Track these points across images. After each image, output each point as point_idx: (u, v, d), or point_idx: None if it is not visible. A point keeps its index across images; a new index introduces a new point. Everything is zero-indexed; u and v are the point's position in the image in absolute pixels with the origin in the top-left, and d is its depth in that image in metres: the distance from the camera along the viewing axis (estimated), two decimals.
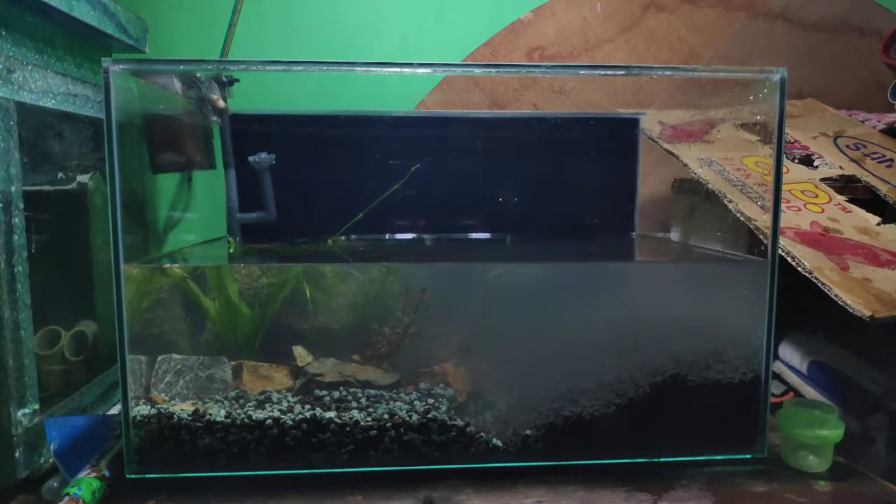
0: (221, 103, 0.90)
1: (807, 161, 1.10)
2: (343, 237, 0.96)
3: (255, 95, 0.97)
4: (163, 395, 0.71)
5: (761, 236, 0.77)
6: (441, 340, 0.76)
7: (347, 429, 0.70)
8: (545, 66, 0.81)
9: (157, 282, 0.72)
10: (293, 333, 0.76)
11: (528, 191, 1.07)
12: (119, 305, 0.66)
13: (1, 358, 0.65)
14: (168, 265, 0.78)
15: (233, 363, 0.76)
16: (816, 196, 0.99)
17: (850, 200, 0.99)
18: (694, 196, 1.04)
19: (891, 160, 1.08)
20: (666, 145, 1.04)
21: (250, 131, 0.96)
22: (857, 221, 0.94)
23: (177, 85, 0.87)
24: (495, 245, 1.03)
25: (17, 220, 0.67)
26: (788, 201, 0.96)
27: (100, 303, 0.90)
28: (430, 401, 0.73)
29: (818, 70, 1.36)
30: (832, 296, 0.77)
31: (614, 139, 1.08)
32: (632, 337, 0.73)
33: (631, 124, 1.08)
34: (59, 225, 0.83)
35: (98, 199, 0.88)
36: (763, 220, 0.80)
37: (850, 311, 0.74)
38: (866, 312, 0.73)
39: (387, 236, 1.02)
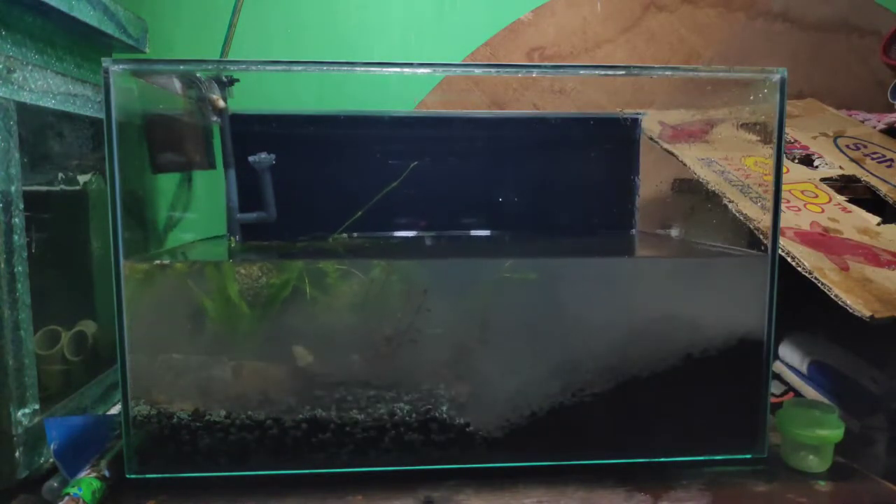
0: (221, 103, 0.90)
1: (807, 161, 1.10)
2: (345, 235, 0.96)
3: (256, 95, 0.97)
4: (163, 395, 0.71)
5: (761, 236, 0.77)
6: (440, 339, 0.75)
7: (347, 429, 0.70)
8: (545, 66, 0.81)
9: (158, 278, 0.72)
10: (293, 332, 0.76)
11: (528, 190, 1.07)
12: (119, 305, 0.66)
13: (1, 358, 0.65)
14: (169, 260, 0.78)
15: (233, 363, 0.76)
16: (816, 196, 0.99)
17: (850, 200, 0.99)
18: (694, 196, 1.04)
19: (891, 160, 1.08)
20: (666, 145, 1.05)
21: (250, 131, 0.96)
22: (857, 221, 0.94)
23: (177, 85, 0.87)
24: (495, 243, 1.03)
25: (17, 220, 0.67)
26: (788, 201, 0.96)
27: (100, 303, 0.90)
28: (431, 401, 0.73)
29: (818, 70, 1.36)
30: (832, 296, 0.77)
31: (614, 139, 1.08)
32: (631, 336, 0.73)
33: (631, 124, 1.08)
34: (59, 225, 0.83)
35: (98, 199, 0.89)
36: (763, 221, 0.80)
37: (850, 311, 0.74)
38: (866, 312, 0.73)
39: (389, 234, 1.02)
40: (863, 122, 1.22)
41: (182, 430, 0.68)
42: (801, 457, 0.72)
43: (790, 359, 1.05)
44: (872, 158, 1.09)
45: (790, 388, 1.03)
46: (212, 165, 0.97)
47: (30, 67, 0.70)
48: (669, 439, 0.74)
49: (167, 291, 0.71)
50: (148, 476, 0.68)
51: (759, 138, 0.77)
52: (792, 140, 1.14)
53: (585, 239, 1.07)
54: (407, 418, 0.71)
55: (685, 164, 1.00)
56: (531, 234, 1.07)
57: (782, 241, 0.83)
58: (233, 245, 0.92)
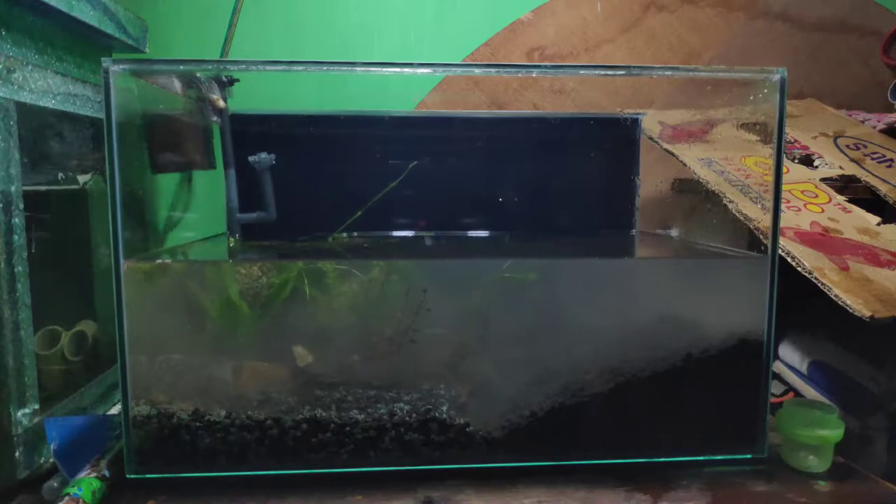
0: (221, 103, 0.90)
1: (807, 161, 1.10)
2: (345, 235, 0.96)
3: (256, 95, 0.97)
4: (163, 395, 0.71)
5: (761, 236, 0.77)
6: (440, 339, 0.76)
7: (347, 429, 0.70)
8: (545, 66, 0.81)
9: (158, 277, 0.72)
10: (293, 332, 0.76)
11: (527, 190, 1.07)
12: (119, 305, 0.66)
13: (1, 358, 0.65)
14: (169, 260, 0.78)
15: (233, 363, 0.76)
16: (816, 196, 0.99)
17: (850, 200, 0.99)
18: (694, 196, 1.04)
19: (891, 160, 1.08)
20: (666, 145, 1.05)
21: (250, 131, 0.96)
22: (857, 221, 0.94)
23: (177, 85, 0.87)
24: (495, 243, 1.03)
25: (17, 220, 0.67)
26: (788, 201, 0.96)
27: (100, 303, 0.90)
28: (431, 401, 0.73)
29: (818, 70, 1.36)
30: (832, 296, 0.77)
31: (614, 139, 1.08)
32: (631, 336, 0.73)
33: (631, 124, 1.08)
34: (59, 225, 0.83)
35: (98, 199, 0.89)
36: (763, 221, 0.80)
37: (850, 311, 0.74)
38: (866, 312, 0.73)
39: (388, 234, 1.02)
40: (863, 122, 1.22)
41: (182, 430, 0.68)
42: (801, 457, 0.72)
43: (790, 359, 1.05)
44: (872, 158, 1.09)
45: (790, 388, 1.03)
46: (212, 165, 0.97)
47: (30, 67, 0.70)
48: (669, 439, 0.74)
49: (167, 291, 0.71)
50: (148, 476, 0.68)
51: (759, 138, 0.77)
52: (792, 140, 1.14)
53: (585, 239, 1.07)
54: (407, 418, 0.71)
55: (685, 164, 1.00)
56: (531, 235, 1.07)
57: (782, 241, 0.83)
58: (233, 245, 0.92)
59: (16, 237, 0.67)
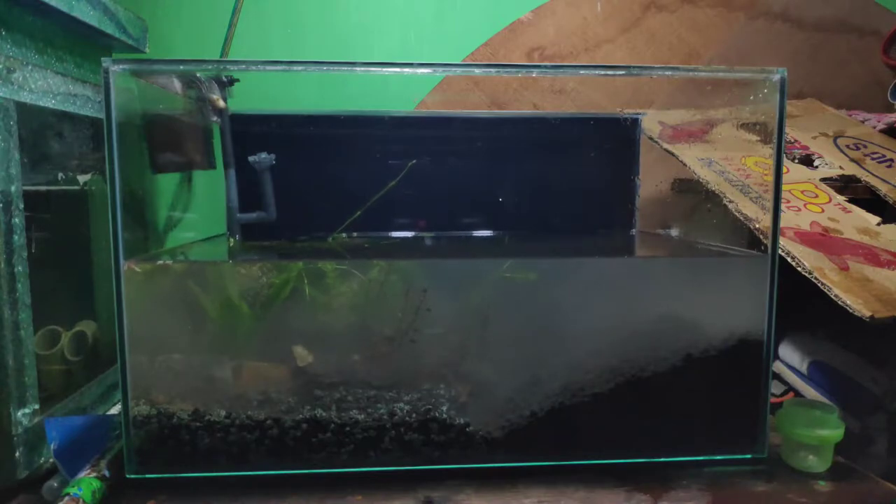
0: (221, 103, 0.90)
1: (807, 161, 1.10)
2: (344, 235, 0.96)
3: (256, 95, 0.97)
4: (163, 395, 0.71)
5: (761, 236, 0.77)
6: (440, 339, 0.76)
7: (347, 429, 0.70)
8: (545, 66, 0.81)
9: (158, 278, 0.72)
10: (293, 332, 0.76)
11: (527, 190, 1.07)
12: (119, 305, 0.66)
13: (1, 358, 0.65)
14: (169, 260, 0.78)
15: (233, 363, 0.76)
16: (816, 196, 0.99)
17: (850, 200, 0.99)
18: (694, 196, 1.04)
19: (891, 160, 1.08)
20: (666, 145, 1.05)
21: (250, 131, 0.96)
22: (857, 221, 0.94)
23: (177, 85, 0.87)
24: (495, 243, 1.03)
25: (17, 220, 0.67)
26: (788, 201, 0.96)
27: (100, 303, 0.90)
28: (431, 401, 0.73)
29: (818, 70, 1.36)
30: (832, 296, 0.77)
31: (614, 139, 1.08)
32: (631, 336, 0.73)
33: (631, 124, 1.08)
34: (59, 225, 0.83)
35: (98, 199, 0.89)
36: (763, 221, 0.80)
37: (850, 311, 0.74)
38: (866, 312, 0.73)
39: (388, 234, 1.02)
40: (863, 122, 1.22)
41: (182, 430, 0.68)
42: (801, 457, 0.72)
43: (790, 359, 1.05)
44: (872, 158, 1.09)
45: (790, 388, 1.04)
46: (212, 165, 0.97)
47: (30, 67, 0.70)
48: (669, 439, 0.74)
49: (167, 291, 0.71)
50: (148, 476, 0.68)
51: (759, 138, 0.77)
52: (792, 140, 1.14)
53: (585, 239, 1.07)
54: (407, 418, 0.71)
55: (685, 164, 1.00)
56: (531, 235, 1.07)
57: (782, 241, 0.83)
58: (233, 245, 0.92)
59: (16, 237, 0.67)
